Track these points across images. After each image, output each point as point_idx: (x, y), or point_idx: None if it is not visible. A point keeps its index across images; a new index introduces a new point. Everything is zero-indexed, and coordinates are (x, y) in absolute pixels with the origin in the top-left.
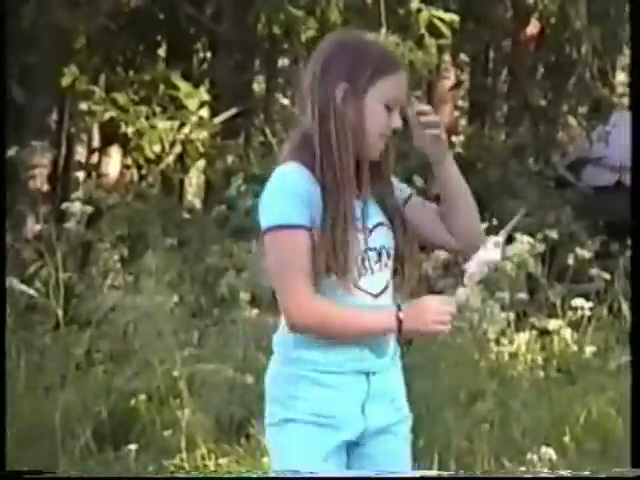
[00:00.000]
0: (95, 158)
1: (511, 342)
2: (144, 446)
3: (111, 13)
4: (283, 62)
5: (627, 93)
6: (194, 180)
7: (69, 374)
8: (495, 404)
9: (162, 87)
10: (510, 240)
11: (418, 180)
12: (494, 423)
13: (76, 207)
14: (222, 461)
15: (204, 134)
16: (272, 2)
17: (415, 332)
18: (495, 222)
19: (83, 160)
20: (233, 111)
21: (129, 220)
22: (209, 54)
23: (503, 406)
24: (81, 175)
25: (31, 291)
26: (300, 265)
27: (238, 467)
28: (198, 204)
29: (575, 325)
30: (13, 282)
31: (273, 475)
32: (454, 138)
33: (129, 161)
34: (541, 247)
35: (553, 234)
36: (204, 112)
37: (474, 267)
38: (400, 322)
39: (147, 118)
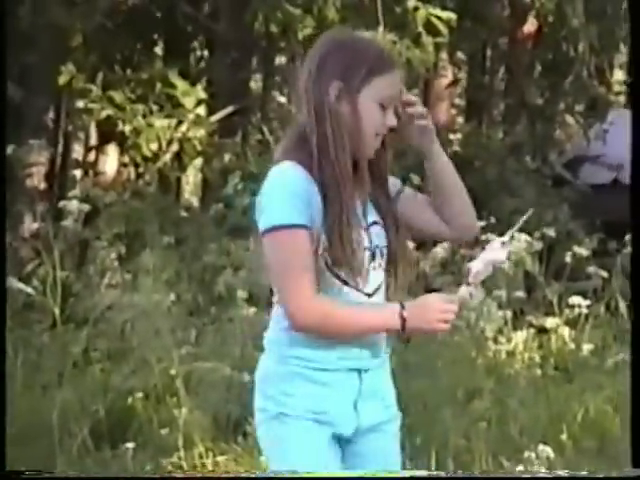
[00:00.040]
0: (92, 156)
1: (508, 340)
2: (141, 444)
3: (108, 11)
4: (280, 60)
5: (624, 91)
6: (191, 178)
7: (66, 372)
8: (492, 402)
9: (159, 85)
10: None
11: (415, 178)
12: (491, 421)
13: (73, 205)
14: (220, 459)
15: (201, 132)
16: (269, 0)
17: (418, 330)
18: (493, 220)
19: (80, 158)
20: (230, 109)
21: (126, 218)
22: (206, 52)
23: (500, 404)
24: (78, 173)
25: (28, 289)
26: (301, 265)
27: (236, 465)
28: (195, 202)
29: (572, 323)
30: (10, 280)
31: (271, 475)
32: (451, 136)
33: (126, 159)
34: (538, 245)
35: (550, 232)
36: (201, 110)
37: (479, 266)
38: (404, 320)
39: (144, 116)
